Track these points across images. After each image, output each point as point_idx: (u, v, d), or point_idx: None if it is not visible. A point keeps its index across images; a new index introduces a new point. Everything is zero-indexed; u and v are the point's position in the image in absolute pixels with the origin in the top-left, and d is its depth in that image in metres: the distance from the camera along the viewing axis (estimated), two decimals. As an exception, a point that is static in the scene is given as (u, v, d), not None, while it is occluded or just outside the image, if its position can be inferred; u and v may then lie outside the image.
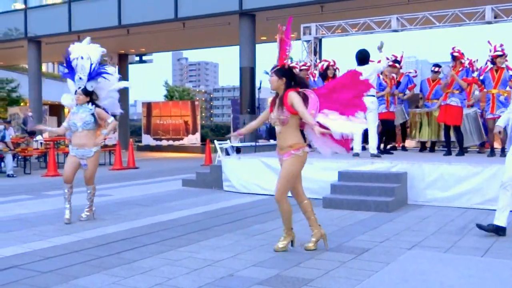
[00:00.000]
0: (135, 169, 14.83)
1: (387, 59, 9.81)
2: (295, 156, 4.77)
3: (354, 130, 4.80)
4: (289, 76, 4.83)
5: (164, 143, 25.16)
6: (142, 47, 27.20)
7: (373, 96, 8.95)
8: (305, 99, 4.75)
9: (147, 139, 25.91)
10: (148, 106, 26.33)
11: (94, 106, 6.50)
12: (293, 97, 4.71)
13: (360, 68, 8.93)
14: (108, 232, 5.92)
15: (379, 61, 9.30)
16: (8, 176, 12.83)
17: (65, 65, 6.67)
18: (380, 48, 9.12)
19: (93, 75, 6.48)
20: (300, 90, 4.82)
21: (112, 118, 6.60)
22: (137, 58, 31.25)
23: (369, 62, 9.09)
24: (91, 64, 6.46)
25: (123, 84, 6.95)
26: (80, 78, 6.47)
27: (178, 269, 4.37)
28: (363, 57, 8.99)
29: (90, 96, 6.51)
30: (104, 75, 6.55)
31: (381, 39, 9.38)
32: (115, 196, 9.07)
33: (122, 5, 20.46)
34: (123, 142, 22.38)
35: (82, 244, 5.36)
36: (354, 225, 6.29)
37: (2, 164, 13.72)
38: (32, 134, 19.07)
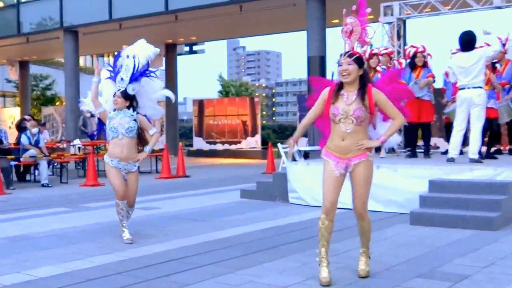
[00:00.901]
0: (185, 178, 15.09)
1: (499, 40, 9.51)
2: (371, 159, 4.80)
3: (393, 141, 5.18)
4: (364, 68, 4.87)
5: (219, 147, 25.45)
6: (193, 36, 27.66)
7: (480, 88, 8.73)
8: None
9: (199, 143, 26.28)
10: (200, 104, 26.74)
11: (136, 112, 6.63)
12: (381, 95, 4.78)
13: (464, 55, 8.75)
14: (156, 251, 6.05)
15: (487, 45, 9.10)
16: (43, 185, 13.34)
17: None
18: (487, 33, 8.96)
19: (137, 75, 6.61)
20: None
21: (154, 129, 6.73)
22: (187, 48, 31.87)
23: (475, 48, 8.89)
24: (135, 64, 6.58)
25: (166, 93, 7.09)
26: (122, 79, 6.60)
27: (237, 295, 4.41)
28: (468, 41, 8.80)
29: (131, 101, 6.62)
30: (149, 74, 6.72)
31: (481, 17, 9.14)
32: (163, 209, 9.27)
33: (169, -13, 20.89)
34: (171, 146, 22.85)
35: (127, 264, 5.50)
36: (449, 246, 6.14)
37: (36, 172, 14.30)
38: (92, 137, 19.41)
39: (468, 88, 8.70)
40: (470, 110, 8.72)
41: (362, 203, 4.85)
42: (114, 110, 6.60)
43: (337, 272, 5.03)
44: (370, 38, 4.96)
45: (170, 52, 27.80)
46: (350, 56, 4.77)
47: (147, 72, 6.74)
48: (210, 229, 7.33)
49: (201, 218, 8.34)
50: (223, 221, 7.99)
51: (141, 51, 6.77)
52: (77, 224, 7.91)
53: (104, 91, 6.90)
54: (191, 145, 27.30)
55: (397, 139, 5.34)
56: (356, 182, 4.81)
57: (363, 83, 4.75)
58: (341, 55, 4.87)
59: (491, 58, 9.35)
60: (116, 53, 6.91)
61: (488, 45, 9.20)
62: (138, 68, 6.58)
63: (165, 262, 5.55)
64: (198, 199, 10.60)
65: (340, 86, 4.81)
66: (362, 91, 4.72)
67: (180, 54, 30.61)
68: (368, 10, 5.15)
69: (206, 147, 25.73)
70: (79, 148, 17.97)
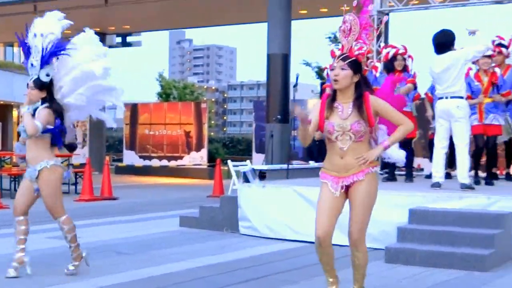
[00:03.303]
0: (112, 200, 14.97)
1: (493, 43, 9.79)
2: (375, 173, 4.96)
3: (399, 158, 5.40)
4: (362, 75, 5.01)
5: (155, 163, 25.35)
6: (126, 24, 27.56)
7: (460, 97, 8.92)
8: None
9: (130, 157, 26.11)
10: (133, 109, 26.57)
11: (46, 104, 6.46)
12: (381, 102, 4.96)
13: (438, 59, 8.95)
14: (70, 291, 5.99)
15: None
16: None
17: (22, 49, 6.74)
18: (472, 32, 9.17)
19: (46, 57, 6.47)
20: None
21: (38, 123, 6.35)
22: (119, 40, 31.69)
23: (453, 49, 9.10)
24: (43, 44, 6.44)
25: (112, 86, 6.93)
26: (32, 65, 6.50)
27: None
28: (442, 42, 9.00)
29: (48, 90, 6.52)
30: (62, 53, 6.53)
31: (477, 12, 9.44)
32: (83, 239, 9.05)
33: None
34: (95, 160, 22.60)
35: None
36: (431, 290, 6.25)
37: None
38: (72, 148, 18.99)
39: (446, 98, 8.88)
40: (451, 125, 8.91)
41: (359, 229, 4.98)
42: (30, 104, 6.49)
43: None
44: (371, 39, 5.09)
45: (97, 43, 27.56)
46: (344, 59, 4.90)
47: (59, 51, 6.53)
48: (140, 265, 7.28)
49: (129, 251, 8.28)
50: (156, 255, 7.94)
51: (51, 25, 6.62)
52: None
53: None
54: (120, 160, 27.13)
55: (401, 155, 5.43)
56: (355, 203, 4.94)
57: (359, 91, 4.88)
58: (336, 57, 5.02)
59: (472, 61, 9.58)
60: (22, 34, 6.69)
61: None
62: (47, 47, 6.45)
63: (81, 305, 5.51)
64: (126, 227, 10.52)
65: (334, 96, 4.93)
66: (359, 101, 4.85)
67: (111, 46, 30.41)
68: (370, 7, 5.27)
69: (139, 162, 25.60)
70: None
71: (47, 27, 6.60)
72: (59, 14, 6.80)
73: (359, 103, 4.84)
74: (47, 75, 6.50)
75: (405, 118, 5.01)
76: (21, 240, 6.49)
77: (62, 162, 17.09)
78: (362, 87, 4.92)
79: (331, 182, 4.93)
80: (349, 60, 4.88)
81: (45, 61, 6.48)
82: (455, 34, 9.16)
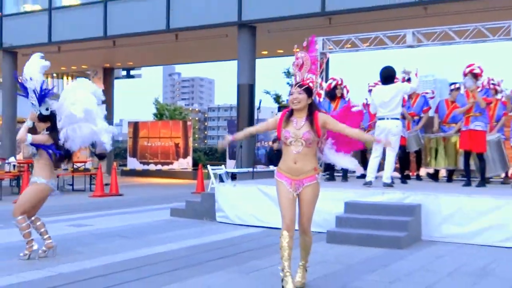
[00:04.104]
0: (118, 196, 14.80)
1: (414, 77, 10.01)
2: (318, 181, 4.95)
3: (347, 165, 5.37)
4: (313, 98, 5.07)
5: (152, 167, 25.18)
6: (130, 61, 27.40)
7: (398, 119, 9.05)
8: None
9: (132, 163, 25.93)
10: (135, 126, 26.41)
11: (47, 132, 6.33)
12: (328, 118, 5.03)
13: (384, 88, 9.07)
14: (85, 267, 5.90)
15: (404, 80, 9.53)
16: (-24, 202, 12.79)
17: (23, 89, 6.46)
18: (407, 72, 9.43)
19: (39, 98, 6.29)
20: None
21: (29, 135, 6.17)
22: (124, 73, 31.48)
23: (394, 81, 9.26)
24: (35, 86, 6.27)
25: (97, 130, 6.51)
26: (32, 104, 6.34)
27: (161, 310, 4.36)
28: (388, 75, 9.15)
29: (51, 120, 6.36)
30: (50, 93, 6.34)
31: (395, 55, 9.57)
32: (94, 226, 9.06)
33: (108, 14, 20.64)
34: (105, 165, 22.39)
35: (55, 280, 5.34)
36: (361, 263, 6.28)
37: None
38: (102, 157, 18.47)
39: (387, 119, 8.99)
40: (387, 139, 8.97)
41: (308, 220, 5.01)
42: None
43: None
44: (319, 70, 5.14)
45: (107, 75, 27.40)
46: (300, 86, 4.96)
47: (48, 92, 6.33)
48: (139, 246, 7.21)
49: (130, 235, 8.20)
50: (152, 239, 7.87)
51: (32, 67, 6.40)
52: (13, 239, 7.61)
53: None
54: (125, 165, 26.89)
55: (353, 164, 5.49)
56: (305, 202, 4.92)
57: (311, 110, 4.93)
58: (292, 85, 5.07)
59: (408, 94, 9.83)
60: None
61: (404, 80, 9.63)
62: (36, 89, 6.27)
63: (93, 278, 5.42)
64: (129, 217, 10.41)
65: (291, 113, 4.96)
66: (311, 117, 4.89)
67: (117, 78, 30.20)
68: (316, 46, 5.31)
69: (140, 167, 25.43)
70: (14, 165, 17.39)
71: (31, 71, 6.37)
72: (39, 56, 6.53)
73: (311, 118, 4.88)
74: (46, 109, 6.35)
75: (346, 126, 5.03)
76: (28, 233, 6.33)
77: (79, 167, 17.06)
78: (314, 107, 4.98)
79: (285, 182, 4.91)
80: (304, 87, 4.92)
81: (40, 100, 6.31)
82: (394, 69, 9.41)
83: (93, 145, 6.79)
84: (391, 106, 8.93)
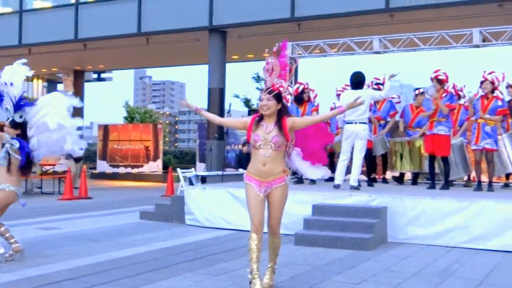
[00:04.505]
0: (87, 199, 14.60)
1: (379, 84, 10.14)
2: (287, 183, 4.93)
3: (313, 176, 5.34)
4: (283, 103, 5.02)
5: (122, 170, 24.93)
6: (101, 64, 27.11)
7: (366, 123, 9.12)
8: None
9: (102, 166, 25.65)
10: (105, 128, 26.15)
11: (17, 139, 6.21)
12: (296, 118, 5.07)
13: (354, 93, 9.12)
14: (53, 270, 5.80)
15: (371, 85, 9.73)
16: None
17: None
18: (393, 75, 9.57)
19: (16, 105, 6.25)
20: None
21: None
22: (95, 76, 31.08)
23: (363, 87, 9.34)
24: (14, 93, 6.22)
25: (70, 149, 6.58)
26: (7, 109, 6.26)
27: (130, 312, 4.31)
28: (358, 81, 9.22)
29: (22, 128, 6.28)
30: (27, 103, 6.33)
31: (362, 60, 9.68)
32: (63, 230, 8.91)
33: (79, 17, 20.40)
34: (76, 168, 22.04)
35: (21, 284, 5.24)
36: (328, 265, 6.30)
37: None
38: (78, 160, 18.05)
39: (356, 123, 9.04)
40: (354, 142, 9.05)
41: (276, 222, 4.98)
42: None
43: (225, 290, 5.02)
44: (289, 76, 5.11)
45: (78, 78, 27.05)
46: (270, 92, 4.91)
47: (27, 102, 6.34)
48: (107, 249, 7.11)
49: (99, 238, 8.08)
50: (121, 242, 7.78)
51: (15, 75, 6.33)
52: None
53: None
54: (94, 168, 26.58)
55: (320, 173, 5.46)
56: (274, 203, 4.91)
57: (280, 116, 4.90)
58: (262, 90, 5.02)
59: (376, 100, 9.96)
60: None
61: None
62: (16, 96, 6.23)
63: (61, 282, 5.33)
64: (98, 220, 10.27)
65: (261, 117, 4.94)
66: (279, 123, 4.87)
67: (88, 81, 29.82)
68: (286, 52, 5.28)
69: (109, 170, 25.19)
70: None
71: (15, 77, 6.31)
72: (22, 63, 6.49)
73: (280, 124, 4.87)
74: (20, 117, 6.29)
75: (311, 118, 5.11)
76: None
77: (47, 170, 16.80)
78: (283, 112, 4.95)
79: (254, 184, 4.89)
80: (274, 93, 4.90)
81: (17, 107, 6.26)
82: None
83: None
84: (360, 110, 9.00)
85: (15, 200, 6.30)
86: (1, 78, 6.29)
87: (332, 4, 15.97)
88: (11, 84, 6.22)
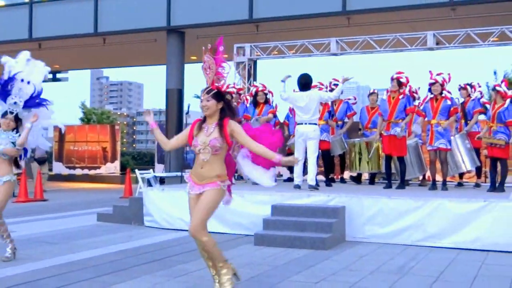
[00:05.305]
0: (43, 202, 14.30)
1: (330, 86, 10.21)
2: (221, 188, 4.73)
3: (261, 182, 5.00)
4: (225, 102, 4.82)
5: (78, 172, 24.50)
6: (56, 64, 26.52)
7: (316, 124, 9.19)
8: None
9: (58, 167, 25.15)
10: (61, 130, 25.61)
11: (18, 134, 6.34)
12: (237, 126, 4.72)
13: (302, 95, 9.18)
14: (7, 275, 5.65)
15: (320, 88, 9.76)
16: None
17: None
18: (346, 79, 9.63)
19: (31, 104, 6.42)
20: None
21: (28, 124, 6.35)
22: (50, 76, 30.44)
23: (311, 88, 9.40)
24: (34, 91, 6.42)
25: (56, 123, 7.10)
26: (15, 103, 6.35)
27: (87, 316, 4.22)
28: (306, 82, 9.28)
29: (17, 124, 6.41)
30: (44, 104, 6.52)
31: (320, 62, 9.76)
32: (18, 233, 8.65)
33: (33, 16, 19.97)
34: (29, 170, 21.53)
35: (-26, 288, 5.08)
36: (287, 264, 6.32)
37: None
38: (43, 161, 17.63)
39: (306, 124, 9.12)
40: (306, 143, 9.13)
41: (195, 224, 4.66)
42: None
43: (185, 291, 4.98)
44: (227, 73, 4.95)
45: (32, 78, 26.42)
46: (208, 92, 4.73)
47: (43, 102, 6.52)
48: (64, 252, 6.97)
49: (55, 241, 7.91)
50: (78, 244, 7.63)
51: (36, 73, 6.55)
52: None
53: None
54: (50, 170, 26.00)
55: (268, 180, 5.22)
56: (198, 205, 4.72)
57: (222, 116, 4.72)
58: (202, 90, 4.83)
59: (325, 102, 10.03)
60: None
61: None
62: (34, 95, 6.41)
63: (14, 286, 5.19)
64: (54, 223, 10.05)
65: (204, 119, 4.79)
66: (220, 124, 4.69)
67: (43, 81, 29.18)
68: (221, 48, 5.13)
69: (66, 171, 24.71)
70: None
71: (35, 77, 6.53)
72: (42, 63, 6.72)
73: (220, 125, 4.70)
74: (24, 116, 6.44)
75: (251, 140, 4.70)
76: None
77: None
78: (226, 112, 4.76)
79: (190, 185, 4.81)
80: (212, 92, 4.73)
81: (28, 105, 6.43)
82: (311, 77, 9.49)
83: (33, 150, 6.94)
84: (309, 112, 9.09)
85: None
86: (12, 72, 6.42)
87: (290, 6, 16.06)
88: (28, 82, 6.41)
